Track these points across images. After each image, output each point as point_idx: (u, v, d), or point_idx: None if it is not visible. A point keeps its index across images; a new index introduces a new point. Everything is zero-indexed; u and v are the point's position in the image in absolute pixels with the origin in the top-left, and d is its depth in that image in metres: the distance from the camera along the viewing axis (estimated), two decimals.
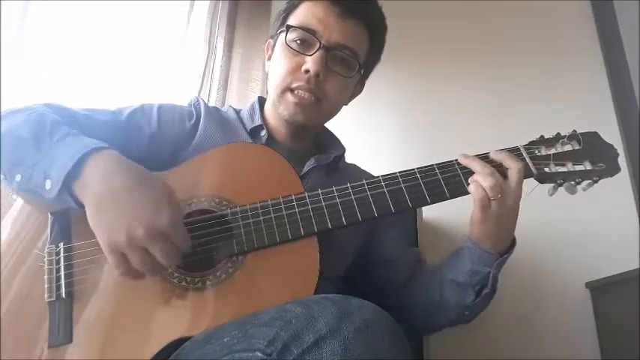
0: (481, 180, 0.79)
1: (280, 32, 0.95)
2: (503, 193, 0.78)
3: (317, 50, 0.88)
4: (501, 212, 0.78)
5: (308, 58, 0.89)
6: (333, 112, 0.98)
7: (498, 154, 0.83)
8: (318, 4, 0.91)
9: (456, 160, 0.84)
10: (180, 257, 0.67)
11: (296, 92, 0.90)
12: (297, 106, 0.90)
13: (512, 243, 0.84)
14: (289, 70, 0.90)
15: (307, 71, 0.88)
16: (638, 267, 1.37)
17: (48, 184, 0.69)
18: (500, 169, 0.81)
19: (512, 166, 0.80)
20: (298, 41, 0.91)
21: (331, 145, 1.03)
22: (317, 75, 0.88)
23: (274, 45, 0.98)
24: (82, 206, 0.69)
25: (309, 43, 0.90)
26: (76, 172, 0.68)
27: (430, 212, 1.54)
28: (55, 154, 0.70)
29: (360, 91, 1.05)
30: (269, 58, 1.00)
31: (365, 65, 0.97)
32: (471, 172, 0.81)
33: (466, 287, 0.85)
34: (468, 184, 0.80)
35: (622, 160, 1.65)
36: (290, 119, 0.92)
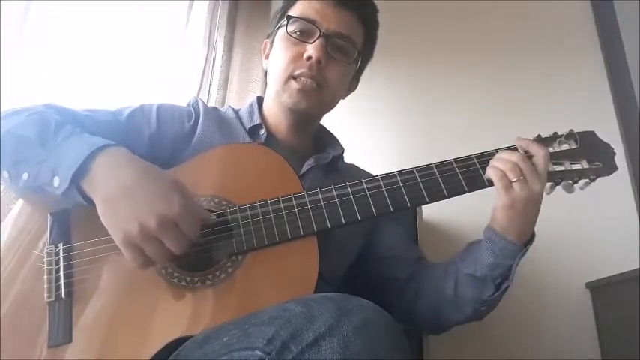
0: (499, 164, 0.80)
1: (279, 27, 0.97)
2: (526, 175, 0.78)
3: (317, 38, 0.91)
4: (528, 197, 0.79)
5: (309, 46, 0.91)
6: (332, 102, 1.00)
7: (522, 141, 0.84)
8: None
9: (454, 159, 0.84)
10: (189, 245, 0.69)
11: (299, 79, 0.92)
12: (300, 92, 0.92)
13: (532, 234, 0.85)
14: (291, 59, 0.93)
15: (309, 58, 0.90)
16: (638, 267, 1.36)
17: (56, 182, 0.69)
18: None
19: (537, 153, 0.81)
20: (298, 32, 0.94)
21: (330, 145, 1.04)
22: (319, 61, 0.90)
23: (272, 41, 1.00)
24: (90, 203, 0.69)
25: (308, 32, 0.93)
26: (85, 169, 0.69)
27: (430, 212, 1.54)
28: (62, 151, 0.71)
29: (355, 87, 1.07)
30: (267, 57, 1.02)
31: (361, 56, 0.99)
32: (469, 170, 0.82)
33: (485, 281, 0.85)
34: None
35: (622, 160, 1.66)
36: (293, 107, 0.93)
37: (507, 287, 0.85)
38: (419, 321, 0.96)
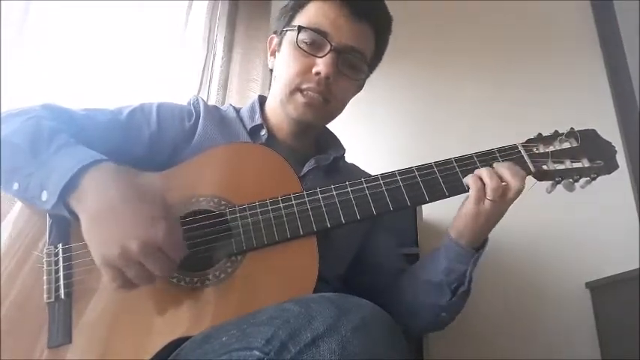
0: (486, 177, 0.79)
1: (289, 31, 0.94)
2: (503, 197, 0.78)
3: (328, 52, 0.88)
4: (493, 213, 0.79)
5: (319, 61, 0.88)
6: (338, 113, 0.99)
7: (501, 168, 0.81)
8: (328, 3, 0.91)
9: (454, 158, 0.84)
10: (174, 269, 0.68)
11: (305, 93, 0.90)
12: (306, 106, 0.90)
13: (485, 240, 0.85)
14: (299, 71, 0.90)
15: (318, 73, 0.88)
16: (638, 267, 1.37)
17: (44, 196, 0.69)
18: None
19: (512, 186, 0.79)
20: (308, 42, 0.90)
21: (332, 145, 1.03)
22: (328, 77, 0.88)
23: (280, 42, 0.97)
24: (77, 218, 0.69)
25: (319, 44, 0.90)
26: (73, 185, 0.68)
27: (430, 212, 1.54)
28: (52, 165, 0.70)
29: (360, 90, 1.05)
30: (272, 54, 1.00)
31: (370, 67, 0.98)
32: (469, 169, 0.82)
33: (441, 287, 0.85)
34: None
35: (622, 160, 1.65)
36: (298, 118, 0.92)
37: (466, 294, 0.85)
38: None
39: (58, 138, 0.73)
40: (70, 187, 0.68)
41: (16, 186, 0.71)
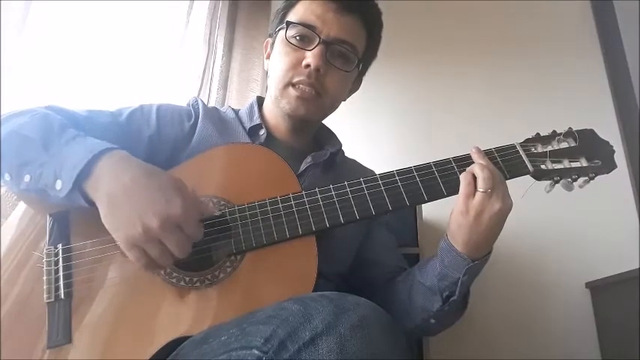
0: (477, 169, 0.78)
1: (279, 29, 0.95)
2: (493, 190, 0.76)
3: (317, 45, 0.89)
4: (483, 210, 0.75)
5: (308, 53, 0.90)
6: (332, 107, 0.99)
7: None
8: (315, 1, 0.92)
9: (452, 157, 0.84)
10: (190, 248, 0.68)
11: (297, 86, 0.91)
12: (299, 100, 0.91)
13: (488, 253, 0.81)
14: (290, 66, 0.91)
15: (308, 66, 0.89)
16: (638, 267, 1.37)
17: (59, 184, 0.69)
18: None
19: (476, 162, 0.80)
20: (298, 37, 0.92)
21: (328, 141, 1.04)
22: (317, 69, 0.89)
23: (273, 43, 0.98)
24: (92, 205, 0.69)
25: (308, 38, 0.91)
26: (88, 172, 0.69)
27: (430, 212, 1.54)
28: (65, 154, 0.71)
29: (357, 88, 1.06)
30: (268, 57, 1.01)
31: (363, 61, 0.98)
32: None
33: (433, 291, 0.83)
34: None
35: (622, 161, 1.66)
36: (292, 113, 0.93)
37: (461, 306, 0.84)
38: None
39: (68, 131, 0.74)
40: (84, 174, 0.68)
41: (27, 178, 0.71)
